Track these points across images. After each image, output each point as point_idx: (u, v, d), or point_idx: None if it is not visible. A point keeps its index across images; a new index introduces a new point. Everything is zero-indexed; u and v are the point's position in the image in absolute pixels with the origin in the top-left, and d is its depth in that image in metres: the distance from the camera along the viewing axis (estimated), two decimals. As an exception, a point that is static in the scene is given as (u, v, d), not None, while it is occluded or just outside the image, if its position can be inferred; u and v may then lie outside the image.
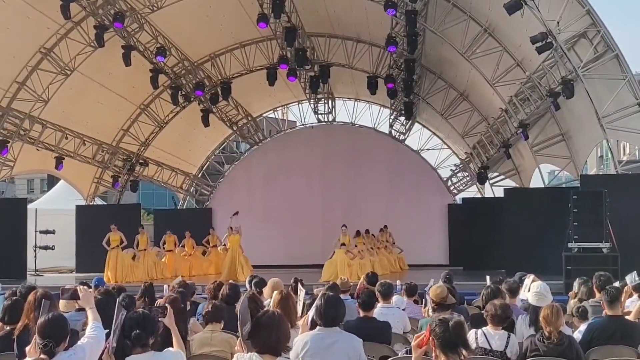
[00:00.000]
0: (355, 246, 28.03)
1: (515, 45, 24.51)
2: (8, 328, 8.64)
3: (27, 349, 6.09)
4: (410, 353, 8.18)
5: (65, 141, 31.23)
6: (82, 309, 7.11)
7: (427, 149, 37.27)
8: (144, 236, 29.04)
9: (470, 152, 33.21)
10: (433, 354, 5.60)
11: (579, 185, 24.76)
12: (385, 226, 32.20)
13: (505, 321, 8.22)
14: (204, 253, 31.61)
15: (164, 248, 30.24)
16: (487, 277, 13.77)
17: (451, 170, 36.10)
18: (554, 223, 23.81)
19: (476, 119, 32.12)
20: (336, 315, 7.26)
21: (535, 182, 30.83)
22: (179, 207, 39.95)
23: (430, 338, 5.59)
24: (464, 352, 5.52)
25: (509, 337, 8.13)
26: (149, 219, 43.41)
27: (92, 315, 6.40)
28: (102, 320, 6.40)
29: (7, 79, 28.09)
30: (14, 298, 9.10)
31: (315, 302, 7.40)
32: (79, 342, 6.05)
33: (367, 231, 30.32)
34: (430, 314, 9.69)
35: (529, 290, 10.33)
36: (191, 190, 39.09)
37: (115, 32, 26.53)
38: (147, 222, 39.15)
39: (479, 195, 35.84)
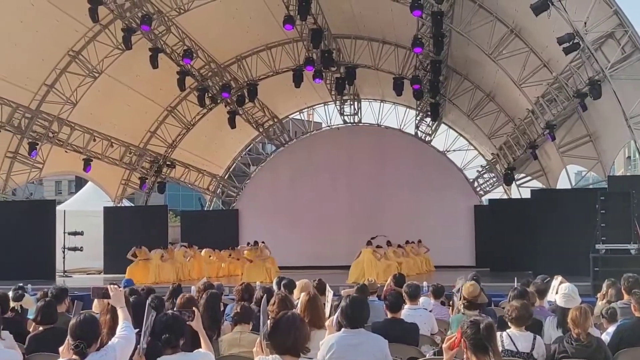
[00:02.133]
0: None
1: (542, 46, 24.39)
2: (41, 328, 8.74)
3: (60, 349, 6.16)
4: (438, 354, 8.23)
5: (93, 143, 31.41)
6: None
7: (453, 150, 37.24)
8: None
9: (497, 153, 33.09)
10: (464, 356, 5.60)
11: (606, 186, 24.59)
12: (419, 240, 32.21)
13: (527, 321, 8.17)
14: (229, 255, 31.69)
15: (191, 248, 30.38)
16: (515, 279, 13.73)
17: (477, 171, 36.01)
18: (581, 224, 23.66)
19: (502, 120, 31.99)
20: (361, 316, 7.28)
21: (562, 183, 30.66)
22: (205, 209, 40.09)
23: (462, 339, 5.61)
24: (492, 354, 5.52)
25: (534, 338, 8.09)
26: (176, 220, 43.55)
27: (122, 315, 6.44)
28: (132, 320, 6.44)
29: (36, 82, 28.30)
30: (48, 299, 9.21)
31: (340, 304, 7.43)
32: (110, 342, 6.11)
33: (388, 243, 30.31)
34: (462, 310, 9.67)
35: (556, 292, 10.29)
36: (218, 192, 39.21)
37: (143, 34, 26.67)
38: (173, 224, 39.33)
39: (505, 197, 35.69)
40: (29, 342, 8.74)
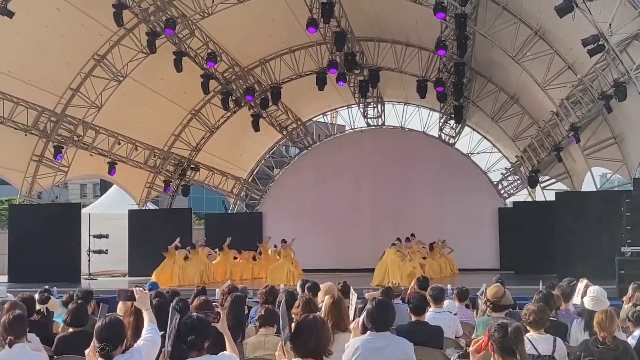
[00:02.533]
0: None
1: (567, 48, 24.26)
2: (71, 330, 8.78)
3: (86, 352, 6.18)
4: (463, 357, 8.19)
5: (117, 146, 31.60)
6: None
7: (477, 153, 37.11)
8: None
9: (521, 156, 32.96)
10: (492, 359, 5.59)
11: (631, 188, 24.39)
12: (444, 240, 32.17)
13: (545, 323, 8.11)
14: (253, 258, 31.75)
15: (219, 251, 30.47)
16: (540, 282, 13.65)
17: (502, 173, 35.90)
18: (606, 227, 23.53)
19: (527, 122, 31.84)
20: (387, 319, 7.26)
21: (587, 186, 30.42)
22: (229, 211, 40.17)
23: (489, 343, 5.59)
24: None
25: (555, 340, 8.04)
26: (200, 223, 43.68)
27: (147, 317, 6.46)
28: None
29: (61, 86, 28.50)
30: (79, 302, 9.25)
31: (366, 307, 7.41)
32: (136, 345, 6.13)
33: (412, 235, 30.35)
34: (488, 313, 9.63)
35: (582, 295, 10.23)
36: (241, 195, 39.30)
37: (167, 38, 26.80)
38: (197, 227, 39.44)
39: (529, 199, 35.53)
40: (57, 343, 8.78)
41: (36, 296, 10.61)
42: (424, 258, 29.12)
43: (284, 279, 27.03)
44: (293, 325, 5.72)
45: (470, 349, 5.80)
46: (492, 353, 5.57)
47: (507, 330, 5.56)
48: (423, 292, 10.97)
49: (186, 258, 28.39)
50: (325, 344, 5.75)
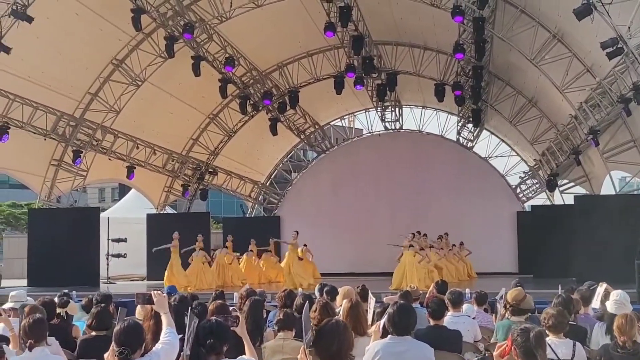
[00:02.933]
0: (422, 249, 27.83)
1: (585, 51, 24.16)
2: (94, 333, 8.81)
3: (105, 355, 6.20)
4: (481, 362, 8.17)
5: (136, 151, 31.71)
6: None
7: (496, 156, 37.00)
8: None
9: (540, 159, 32.85)
10: None
11: (651, 191, 24.30)
12: (461, 243, 32.16)
13: (564, 327, 8.08)
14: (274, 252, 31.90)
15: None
16: (559, 286, 13.58)
17: (520, 177, 35.77)
18: (626, 230, 23.42)
19: (545, 126, 31.72)
20: (408, 323, 7.24)
21: (606, 189, 30.27)
22: (247, 215, 40.22)
23: (512, 347, 5.61)
24: None
25: (574, 345, 8.01)
26: (218, 227, 43.74)
27: (166, 321, 6.46)
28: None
29: (80, 90, 28.62)
30: (102, 305, 9.29)
31: (387, 310, 7.40)
32: (154, 348, 6.14)
33: (440, 237, 30.43)
34: (508, 316, 9.61)
35: (601, 299, 10.19)
36: (259, 199, 39.34)
37: (185, 43, 26.86)
38: (216, 231, 39.48)
39: (548, 203, 35.41)
40: (79, 346, 8.83)
41: (55, 300, 10.65)
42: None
43: (304, 280, 27.17)
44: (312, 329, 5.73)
45: (494, 353, 5.82)
46: (515, 358, 5.59)
47: (529, 334, 5.57)
48: (442, 296, 10.96)
49: (204, 261, 28.40)
50: (347, 348, 5.78)
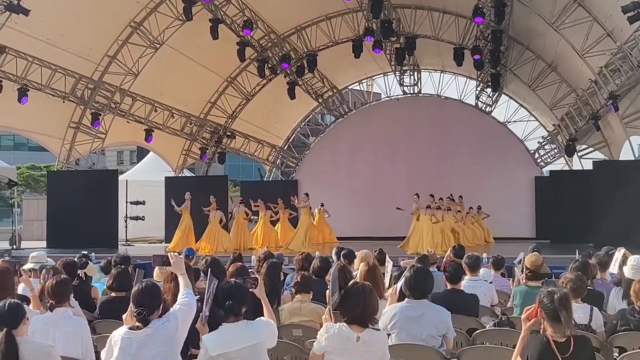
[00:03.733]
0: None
1: (606, 15, 23.93)
2: (113, 294, 8.90)
3: (123, 316, 6.27)
4: (498, 326, 8.21)
5: (154, 114, 31.76)
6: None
7: (514, 121, 36.91)
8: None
9: (558, 124, 32.72)
10: (541, 326, 5.68)
11: (670, 157, 24.18)
12: (479, 207, 32.17)
13: (582, 292, 8.11)
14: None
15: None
16: (577, 251, 13.60)
17: (538, 142, 35.65)
18: (645, 196, 23.33)
19: (565, 91, 31.55)
20: (425, 287, 7.29)
21: (626, 154, 30.17)
22: (265, 179, 40.30)
23: (539, 310, 5.68)
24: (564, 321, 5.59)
25: (592, 309, 8.04)
26: (236, 190, 43.87)
27: (183, 282, 6.52)
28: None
29: (98, 53, 28.64)
30: (122, 267, 9.36)
31: (404, 274, 7.43)
32: (172, 309, 6.19)
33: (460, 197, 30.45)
34: (523, 281, 9.64)
35: (619, 264, 10.19)
36: (277, 163, 39.41)
37: (203, 5, 26.78)
38: (233, 194, 39.62)
39: (567, 168, 35.30)
40: (100, 306, 8.92)
41: (76, 261, 10.73)
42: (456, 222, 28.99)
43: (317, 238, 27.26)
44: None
45: (522, 316, 5.89)
46: (542, 320, 5.66)
47: (554, 296, 5.63)
48: (459, 261, 10.99)
49: (221, 221, 28.50)
50: (371, 312, 5.85)
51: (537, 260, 9.50)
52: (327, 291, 6.81)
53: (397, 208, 27.63)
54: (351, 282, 6.27)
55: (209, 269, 7.01)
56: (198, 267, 8.59)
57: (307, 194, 29.63)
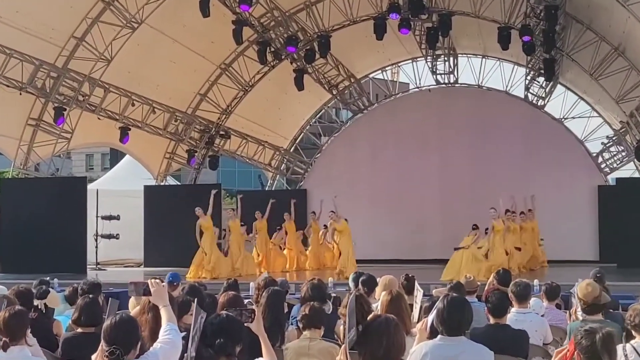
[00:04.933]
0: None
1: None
2: (80, 330, 8.88)
3: (92, 357, 6.26)
4: (551, 368, 8.17)
5: (131, 108, 31.78)
6: None
7: (572, 117, 36.87)
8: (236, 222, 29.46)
9: (627, 121, 32.66)
10: None
11: None
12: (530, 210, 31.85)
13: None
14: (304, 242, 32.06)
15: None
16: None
17: (602, 143, 35.61)
18: None
19: (634, 80, 31.49)
20: (462, 321, 7.23)
21: None
22: (266, 189, 40.31)
23: (575, 352, 5.60)
24: None
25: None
26: (231, 202, 43.91)
27: (166, 315, 6.51)
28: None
29: (63, 34, 28.64)
30: (91, 296, 9.35)
31: (437, 305, 7.39)
32: (152, 348, 6.18)
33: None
34: (580, 317, 9.59)
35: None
36: (282, 168, 39.46)
37: (191, -24, 26.89)
38: (228, 206, 39.62)
39: (637, 175, 35.23)
40: (63, 344, 8.90)
41: (33, 290, 10.72)
42: (518, 249, 28.69)
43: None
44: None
45: (554, 359, 5.83)
46: None
47: (596, 336, 5.55)
48: (504, 289, 10.95)
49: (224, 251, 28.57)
50: (397, 351, 5.81)
51: (593, 291, 9.43)
52: (341, 326, 6.79)
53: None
54: (371, 315, 6.24)
55: (196, 299, 7.00)
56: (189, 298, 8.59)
57: (314, 213, 29.79)
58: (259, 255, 30.30)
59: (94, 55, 29.25)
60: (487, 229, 27.03)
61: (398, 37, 32.47)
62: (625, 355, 7.76)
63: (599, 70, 32.35)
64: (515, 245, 28.02)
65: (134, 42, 29.61)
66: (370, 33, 30.92)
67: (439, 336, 7.22)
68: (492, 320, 9.21)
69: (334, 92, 37.38)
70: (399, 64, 39.95)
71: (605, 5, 27.37)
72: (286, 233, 31.44)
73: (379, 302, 8.69)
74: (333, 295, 11.44)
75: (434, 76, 36.91)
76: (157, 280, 6.79)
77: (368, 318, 6.15)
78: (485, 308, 9.44)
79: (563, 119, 36.48)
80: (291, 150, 39.82)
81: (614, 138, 34.97)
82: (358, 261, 28.49)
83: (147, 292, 6.67)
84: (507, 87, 37.09)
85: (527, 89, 35.83)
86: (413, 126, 35.99)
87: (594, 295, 9.44)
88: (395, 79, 43.65)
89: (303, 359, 8.43)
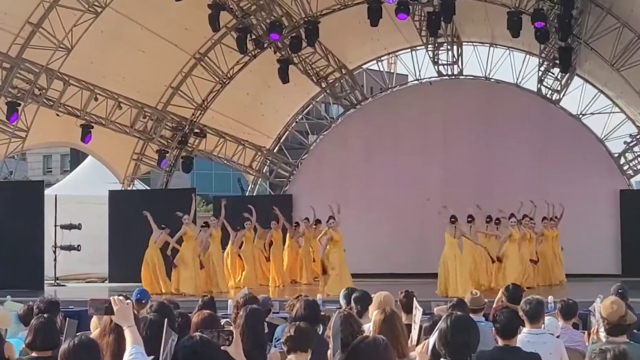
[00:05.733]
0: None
1: None
2: (34, 355, 8.84)
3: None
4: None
5: (94, 103, 31.70)
6: None
7: (591, 113, 36.88)
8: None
9: (653, 118, 32.75)
10: None
11: None
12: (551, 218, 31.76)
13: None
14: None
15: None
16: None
17: (625, 142, 35.66)
18: None
19: (661, 71, 31.63)
20: (468, 343, 7.21)
21: None
22: (247, 194, 40.27)
23: None
24: None
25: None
26: (207, 209, 43.92)
27: (131, 337, 6.48)
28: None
29: (17, 20, 28.57)
30: (46, 316, 9.30)
31: (439, 325, 7.38)
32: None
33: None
34: (602, 338, 9.58)
35: None
36: (264, 171, 39.41)
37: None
38: (204, 213, 39.62)
39: (664, 178, 35.36)
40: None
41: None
42: (534, 261, 28.66)
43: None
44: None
45: None
46: None
47: (607, 355, 5.59)
48: (514, 306, 10.94)
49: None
50: None
51: (618, 309, 9.40)
52: (329, 350, 6.78)
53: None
54: (360, 336, 6.22)
55: (166, 320, 6.96)
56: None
57: (307, 219, 29.83)
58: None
59: (52, 44, 29.17)
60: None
61: (395, 23, 32.50)
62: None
63: (620, 60, 32.40)
64: (532, 257, 28.08)
65: (97, 29, 29.56)
66: (364, 18, 30.93)
67: (441, 360, 7.21)
68: (500, 342, 9.19)
69: (323, 85, 37.38)
70: (397, 54, 39.99)
71: (628, -14, 27.47)
72: (271, 243, 31.43)
73: (371, 321, 8.66)
74: (321, 313, 11.43)
75: (436, 67, 36.93)
76: (122, 298, 6.75)
77: (357, 340, 6.13)
78: (494, 329, 9.42)
79: (581, 115, 36.52)
80: (275, 150, 39.79)
81: (637, 137, 35.03)
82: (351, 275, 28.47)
83: (109, 311, 6.63)
84: (518, 79, 37.13)
85: (540, 81, 35.87)
86: (412, 123, 35.96)
87: (620, 315, 9.41)
88: (392, 71, 43.74)
89: (287, 385, 8.42)
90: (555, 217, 30.72)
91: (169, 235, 28.01)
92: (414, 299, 11.06)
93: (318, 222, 30.37)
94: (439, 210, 27.80)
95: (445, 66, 36.73)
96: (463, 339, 7.16)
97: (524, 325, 10.23)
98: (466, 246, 26.66)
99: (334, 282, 26.29)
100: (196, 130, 36.08)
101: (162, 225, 28.09)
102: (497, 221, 29.02)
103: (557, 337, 11.09)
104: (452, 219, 26.57)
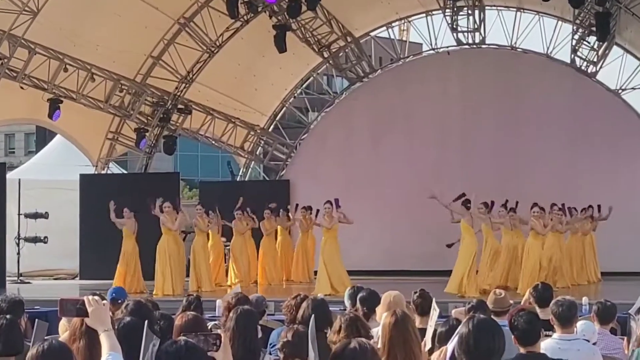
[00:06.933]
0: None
1: None
2: (0, 361, 8.86)
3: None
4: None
5: (63, 75, 31.68)
6: None
7: (632, 88, 36.88)
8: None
9: None
10: None
11: None
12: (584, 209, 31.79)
13: None
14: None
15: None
16: None
17: (670, 120, 35.71)
18: None
19: None
20: (492, 348, 7.20)
21: None
22: (238, 179, 40.28)
23: None
24: None
25: None
26: (192, 194, 43.96)
27: (107, 343, 6.49)
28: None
29: (-25, -20, 28.66)
30: (9, 317, 9.31)
31: (459, 330, 7.39)
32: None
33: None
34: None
35: None
36: (257, 153, 39.43)
37: None
38: (188, 201, 39.66)
39: None
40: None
41: None
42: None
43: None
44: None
45: None
46: None
47: None
48: (530, 308, 10.91)
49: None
50: None
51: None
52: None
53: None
54: (344, 342, 6.22)
55: (146, 322, 6.97)
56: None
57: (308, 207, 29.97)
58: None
59: (16, 7, 29.15)
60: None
61: (408, -16, 32.57)
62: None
63: (667, 28, 32.46)
64: (561, 251, 28.11)
65: (67, -10, 29.63)
66: (373, -21, 31.00)
67: (463, 369, 7.22)
68: (522, 350, 9.14)
69: (326, 55, 37.38)
70: (410, 19, 39.93)
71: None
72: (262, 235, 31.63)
73: (380, 325, 8.65)
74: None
75: (455, 35, 36.89)
76: (97, 298, 6.75)
77: (335, 346, 6.14)
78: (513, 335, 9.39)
79: (620, 91, 36.52)
80: (270, 129, 39.79)
81: (685, 114, 35.10)
82: (356, 272, 28.47)
83: (82, 313, 6.62)
84: (548, 49, 37.11)
85: (574, 51, 35.85)
86: (427, 100, 35.95)
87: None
88: (404, 39, 43.69)
89: (284, 396, 8.45)
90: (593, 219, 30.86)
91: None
92: (432, 299, 11.02)
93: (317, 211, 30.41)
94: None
95: (466, 34, 36.71)
96: (487, 345, 7.14)
97: (546, 329, 10.21)
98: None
99: (323, 279, 26.44)
100: (180, 106, 36.05)
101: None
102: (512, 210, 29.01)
103: (594, 343, 11.07)
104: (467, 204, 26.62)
